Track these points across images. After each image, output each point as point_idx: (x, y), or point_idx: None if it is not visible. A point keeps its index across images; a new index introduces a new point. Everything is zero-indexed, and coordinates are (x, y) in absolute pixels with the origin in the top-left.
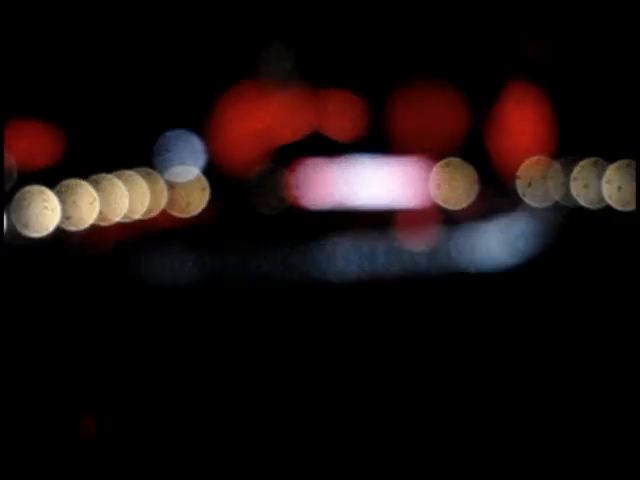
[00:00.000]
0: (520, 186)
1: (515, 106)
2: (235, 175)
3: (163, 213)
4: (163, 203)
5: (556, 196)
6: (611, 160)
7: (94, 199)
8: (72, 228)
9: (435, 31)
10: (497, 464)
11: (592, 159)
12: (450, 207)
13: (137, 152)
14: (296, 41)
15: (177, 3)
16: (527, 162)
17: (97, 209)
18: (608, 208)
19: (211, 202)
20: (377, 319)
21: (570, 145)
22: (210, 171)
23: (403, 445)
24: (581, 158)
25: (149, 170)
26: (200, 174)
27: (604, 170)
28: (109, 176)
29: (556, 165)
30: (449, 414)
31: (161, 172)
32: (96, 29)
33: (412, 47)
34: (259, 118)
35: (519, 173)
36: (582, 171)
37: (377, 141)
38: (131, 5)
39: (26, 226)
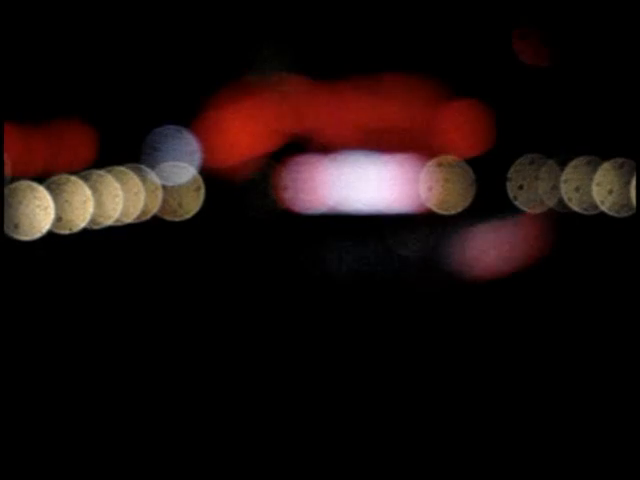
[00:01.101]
0: (511, 189)
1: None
2: (228, 176)
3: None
4: (156, 205)
5: (548, 201)
6: (605, 158)
7: (88, 198)
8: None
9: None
10: (494, 463)
11: (585, 158)
12: (444, 211)
13: (128, 149)
14: (291, 39)
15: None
16: (518, 161)
17: (90, 209)
18: (602, 214)
19: (206, 204)
20: (371, 323)
21: (564, 142)
22: (204, 171)
23: (392, 445)
24: (574, 156)
25: (139, 166)
26: (195, 173)
27: (596, 170)
28: (100, 172)
29: (549, 164)
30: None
31: (152, 169)
32: (93, 26)
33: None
34: (252, 117)
35: (510, 175)
36: (574, 172)
37: (372, 140)
38: (126, 2)
39: (16, 227)
